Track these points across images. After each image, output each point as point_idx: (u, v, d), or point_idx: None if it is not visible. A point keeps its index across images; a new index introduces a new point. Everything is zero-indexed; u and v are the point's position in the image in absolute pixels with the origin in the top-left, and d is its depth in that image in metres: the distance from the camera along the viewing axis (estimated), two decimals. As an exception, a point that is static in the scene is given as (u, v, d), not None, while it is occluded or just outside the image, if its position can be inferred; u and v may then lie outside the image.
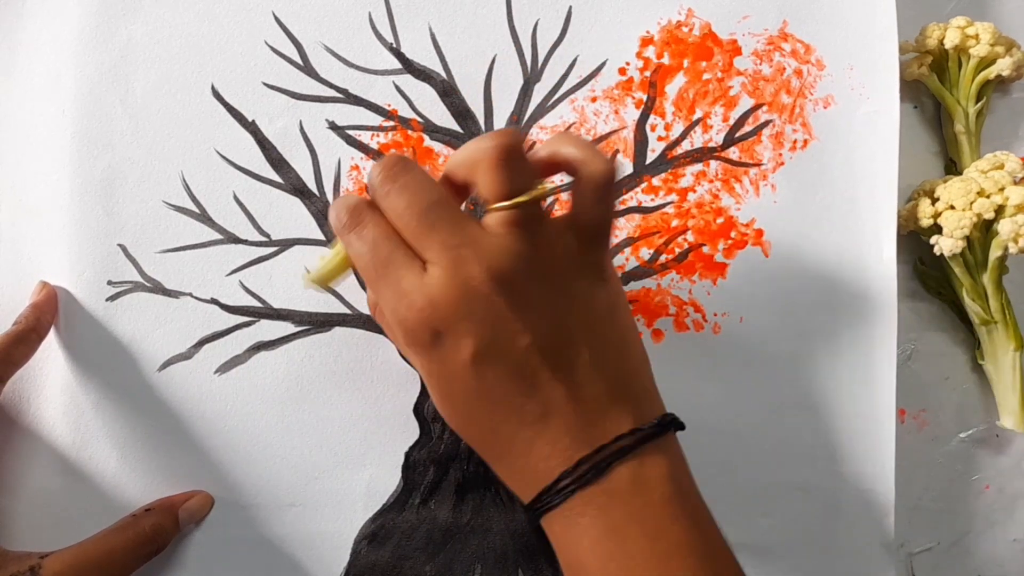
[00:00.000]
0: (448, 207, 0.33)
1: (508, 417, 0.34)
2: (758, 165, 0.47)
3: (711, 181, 0.47)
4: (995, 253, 0.46)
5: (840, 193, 0.46)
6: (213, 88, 0.45)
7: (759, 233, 0.46)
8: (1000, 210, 0.45)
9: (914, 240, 0.47)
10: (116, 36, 0.45)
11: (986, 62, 0.48)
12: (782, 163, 0.47)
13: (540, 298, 0.33)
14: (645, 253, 0.46)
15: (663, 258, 0.46)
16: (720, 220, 0.46)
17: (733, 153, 0.47)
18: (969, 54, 0.48)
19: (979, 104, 0.48)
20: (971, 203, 0.45)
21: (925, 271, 0.49)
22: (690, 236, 0.46)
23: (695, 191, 0.46)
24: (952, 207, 0.45)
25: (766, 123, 0.47)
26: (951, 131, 0.49)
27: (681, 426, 0.36)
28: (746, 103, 0.47)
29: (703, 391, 0.46)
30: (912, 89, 0.50)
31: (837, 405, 0.46)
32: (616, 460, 0.33)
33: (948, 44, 0.48)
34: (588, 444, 0.33)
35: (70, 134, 0.45)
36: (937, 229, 0.46)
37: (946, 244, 0.46)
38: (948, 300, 0.49)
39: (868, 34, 0.47)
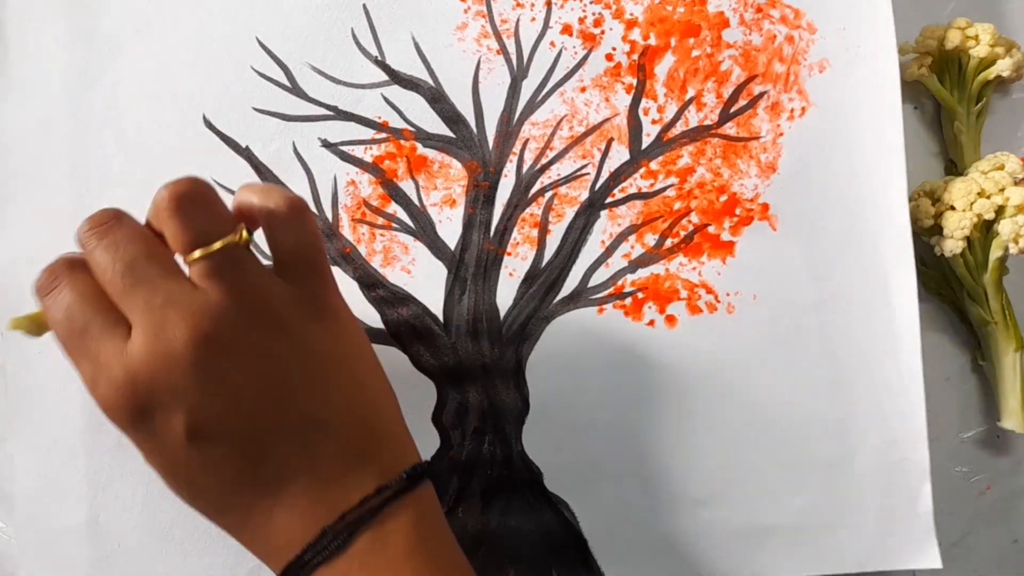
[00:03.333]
0: (157, 261, 0.31)
1: (240, 488, 0.31)
2: (757, 138, 0.46)
3: (710, 160, 0.46)
4: (995, 254, 0.45)
5: (843, 158, 0.45)
6: (205, 118, 0.46)
7: (764, 207, 0.45)
8: (1000, 211, 0.45)
9: (915, 241, 0.47)
10: (104, 76, 0.46)
11: (986, 63, 0.47)
12: (781, 133, 0.46)
13: (255, 354, 0.31)
14: (650, 239, 0.46)
15: (669, 242, 0.46)
16: (723, 198, 0.46)
17: (730, 129, 0.46)
18: (969, 55, 0.47)
19: (979, 105, 0.48)
20: (971, 204, 0.45)
21: (925, 272, 0.48)
22: (694, 217, 0.46)
23: (695, 171, 0.46)
24: (952, 208, 0.45)
25: (761, 95, 0.46)
26: (951, 132, 0.48)
27: (430, 472, 0.34)
28: (739, 76, 0.46)
29: (723, 374, 0.45)
30: (912, 90, 0.50)
31: (862, 375, 0.45)
32: (360, 526, 0.31)
33: (948, 45, 0.47)
34: (331, 508, 0.31)
35: (67, 177, 0.45)
36: (937, 230, 0.46)
37: (946, 245, 0.45)
38: (948, 301, 0.48)
39: (859, -8, 0.46)
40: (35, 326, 0.34)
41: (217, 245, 0.31)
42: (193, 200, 0.31)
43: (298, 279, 0.33)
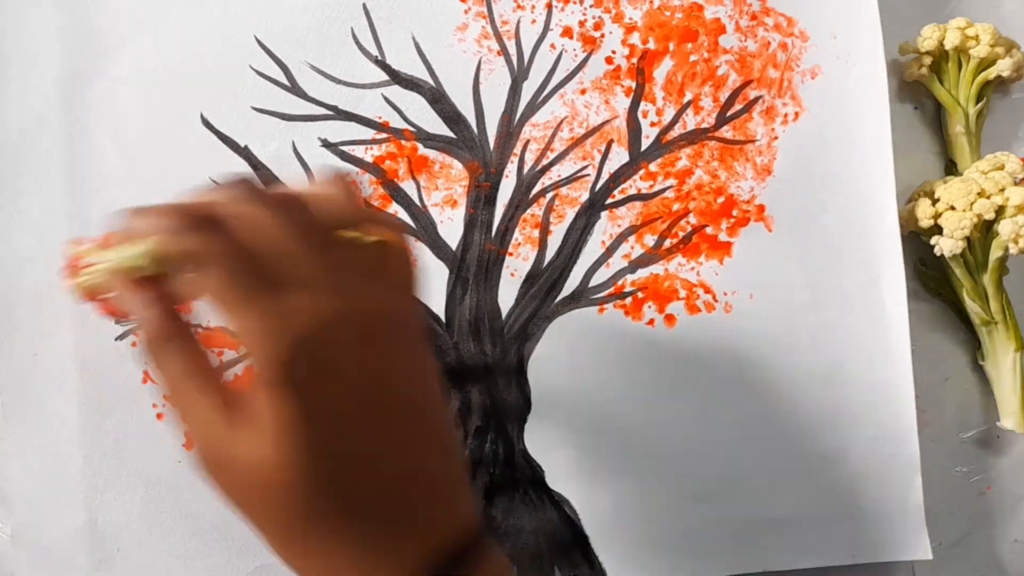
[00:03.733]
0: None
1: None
2: (752, 142, 0.47)
3: (708, 162, 0.47)
4: (995, 254, 0.46)
5: (836, 161, 0.47)
6: (203, 117, 0.45)
7: (760, 209, 0.47)
8: (1000, 211, 0.45)
9: (914, 241, 0.48)
10: (101, 75, 0.45)
11: (986, 63, 0.48)
12: (776, 137, 0.47)
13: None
14: (650, 240, 0.46)
15: (668, 243, 0.46)
16: (721, 199, 0.47)
17: (727, 132, 0.47)
18: (969, 55, 0.48)
19: (979, 105, 0.48)
20: (971, 204, 0.45)
21: (925, 272, 0.49)
22: (692, 218, 0.46)
23: (693, 173, 0.47)
24: (952, 208, 0.46)
25: (756, 100, 0.47)
26: (951, 132, 0.49)
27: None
28: (735, 81, 0.47)
29: (720, 371, 0.46)
30: (912, 90, 0.50)
31: (854, 371, 0.46)
32: None
33: (948, 45, 0.48)
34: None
35: (62, 177, 0.44)
36: (937, 230, 0.46)
37: (946, 245, 0.46)
38: (948, 301, 0.49)
39: (847, 1, 0.47)
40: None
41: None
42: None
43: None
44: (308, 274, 0.27)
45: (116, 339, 0.44)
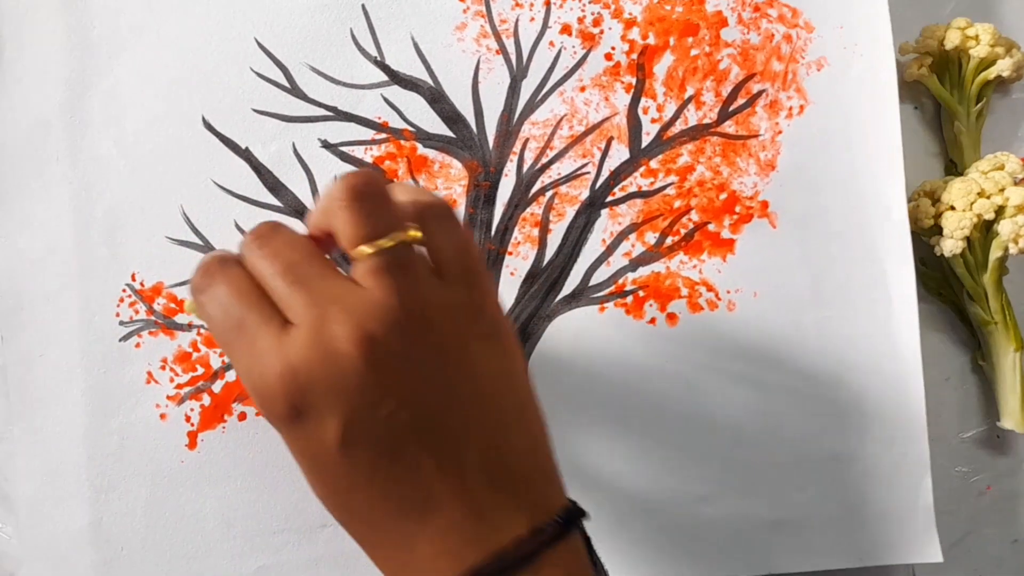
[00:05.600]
0: (316, 263, 0.29)
1: (385, 506, 0.29)
2: (756, 136, 0.46)
3: (710, 158, 0.46)
4: (995, 254, 0.46)
5: (842, 155, 0.46)
6: (204, 120, 0.46)
7: (764, 205, 0.46)
8: (1000, 211, 0.45)
9: (914, 241, 0.47)
10: (102, 79, 0.45)
11: (986, 63, 0.47)
12: (780, 131, 0.46)
13: (420, 362, 0.29)
14: (651, 237, 0.46)
15: (669, 240, 0.46)
16: (723, 196, 0.46)
17: (729, 127, 0.46)
18: (969, 55, 0.47)
19: (979, 105, 0.48)
20: (971, 204, 0.45)
21: (925, 272, 0.48)
22: (694, 215, 0.46)
23: (695, 170, 0.46)
24: (952, 208, 0.45)
25: (759, 93, 0.46)
26: (951, 132, 0.49)
27: (585, 515, 0.32)
28: (737, 75, 0.46)
29: (724, 371, 0.45)
30: (912, 90, 0.50)
31: (862, 371, 0.45)
32: (512, 571, 0.28)
33: (948, 45, 0.47)
34: (480, 546, 0.29)
35: (65, 180, 0.45)
36: (937, 230, 0.46)
37: (946, 245, 0.45)
38: (948, 301, 0.48)
39: (854, -10, 0.46)
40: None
41: (388, 242, 0.29)
42: (369, 194, 0.29)
43: (461, 287, 0.31)
44: (299, 306, 0.29)
45: (120, 340, 0.45)
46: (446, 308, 0.30)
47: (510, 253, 0.46)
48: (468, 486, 0.29)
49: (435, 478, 0.29)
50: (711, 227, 0.46)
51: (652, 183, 0.46)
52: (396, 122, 0.46)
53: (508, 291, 0.45)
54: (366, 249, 0.29)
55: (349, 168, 0.46)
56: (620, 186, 0.46)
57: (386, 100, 0.46)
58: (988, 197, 0.45)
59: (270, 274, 0.29)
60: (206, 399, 0.44)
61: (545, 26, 0.46)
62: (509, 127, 0.46)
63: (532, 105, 0.46)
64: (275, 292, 0.29)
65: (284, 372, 0.28)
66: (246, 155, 0.46)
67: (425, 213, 0.31)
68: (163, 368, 0.44)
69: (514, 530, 0.29)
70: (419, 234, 0.30)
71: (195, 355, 0.45)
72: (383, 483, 0.29)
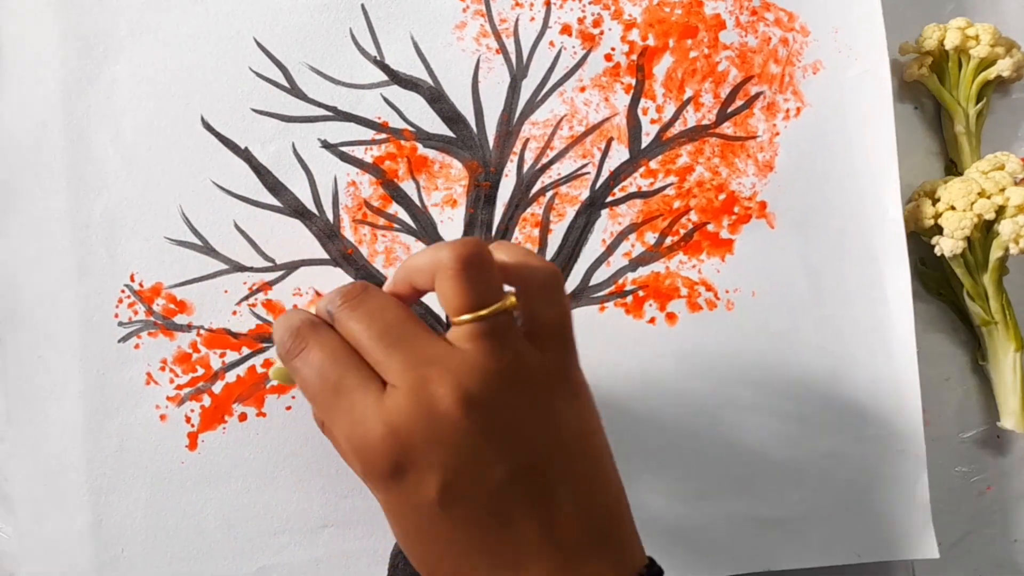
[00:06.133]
0: (410, 323, 0.31)
1: (480, 560, 0.30)
2: (753, 138, 0.46)
3: (709, 159, 0.46)
4: (996, 254, 0.46)
5: (838, 156, 0.46)
6: (203, 119, 0.45)
7: (762, 205, 0.46)
8: (1001, 211, 0.45)
9: (914, 241, 0.48)
10: (100, 78, 0.45)
11: (986, 63, 0.48)
12: (777, 133, 0.46)
13: (514, 421, 0.30)
14: (650, 237, 0.46)
15: (669, 240, 0.46)
16: (722, 196, 0.46)
17: (728, 128, 0.47)
18: (969, 55, 0.48)
19: (979, 105, 0.48)
20: (972, 204, 0.45)
21: (926, 272, 0.49)
22: (693, 216, 0.46)
23: (694, 170, 0.46)
24: (953, 208, 0.46)
25: (757, 95, 0.47)
26: (951, 132, 0.49)
27: (662, 572, 0.33)
28: (735, 77, 0.47)
29: (723, 369, 0.46)
30: (912, 90, 0.50)
31: (859, 368, 0.46)
32: None
33: (948, 45, 0.47)
34: None
35: (63, 180, 0.45)
36: (938, 230, 0.46)
37: (947, 245, 0.46)
38: (949, 301, 0.49)
39: (849, -5, 0.47)
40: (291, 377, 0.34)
41: (487, 311, 0.30)
42: (477, 264, 0.30)
43: (550, 351, 0.32)
44: (398, 368, 0.30)
45: (119, 341, 0.44)
46: (537, 370, 0.31)
47: (511, 253, 0.46)
48: (561, 541, 0.30)
49: (530, 533, 0.30)
50: (710, 227, 0.46)
51: (652, 183, 0.46)
52: (396, 122, 0.46)
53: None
54: (466, 316, 0.30)
55: (350, 169, 0.46)
56: (620, 186, 0.46)
57: (386, 100, 0.46)
58: (988, 197, 0.45)
59: (366, 337, 0.30)
60: (206, 400, 0.44)
61: (545, 26, 0.46)
62: (509, 127, 0.46)
63: (532, 105, 0.46)
64: (372, 355, 0.30)
65: (386, 432, 0.29)
66: (245, 155, 0.45)
67: (532, 281, 0.32)
68: (163, 369, 0.44)
69: None
70: (513, 301, 0.31)
71: (195, 356, 0.44)
72: (480, 539, 0.30)
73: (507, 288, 0.32)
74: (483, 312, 0.30)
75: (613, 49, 0.46)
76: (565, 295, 0.34)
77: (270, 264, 0.45)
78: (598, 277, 0.46)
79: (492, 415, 0.29)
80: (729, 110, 0.47)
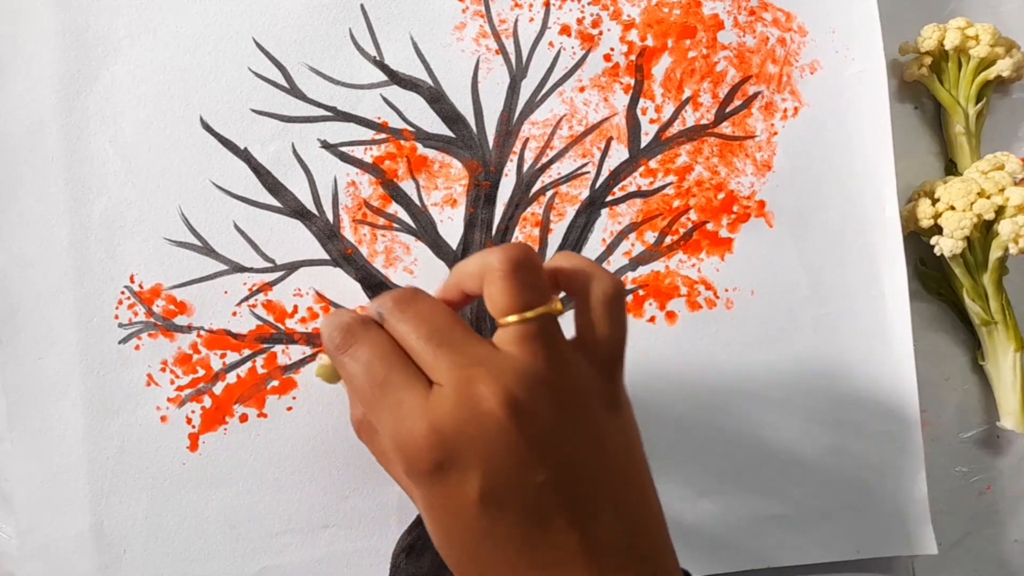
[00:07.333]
0: (458, 327, 0.31)
1: (516, 562, 0.30)
2: (752, 137, 0.47)
3: (708, 158, 0.47)
4: (995, 254, 0.46)
5: (836, 155, 0.47)
6: (202, 120, 0.45)
7: (761, 204, 0.47)
8: (1000, 211, 0.45)
9: (914, 241, 0.48)
10: (99, 78, 0.45)
11: (986, 63, 0.48)
12: (775, 132, 0.47)
13: (558, 426, 0.30)
14: (650, 237, 0.46)
15: (668, 239, 0.46)
16: (721, 196, 0.46)
17: (726, 128, 0.47)
18: (969, 55, 0.48)
19: (979, 105, 0.48)
20: (971, 204, 0.45)
21: (925, 272, 0.49)
22: (693, 215, 0.46)
23: (693, 170, 0.47)
24: (952, 208, 0.46)
25: (755, 95, 0.47)
26: (951, 132, 0.49)
27: None
28: (734, 77, 0.47)
29: (723, 368, 0.46)
30: (912, 90, 0.50)
31: (857, 366, 0.46)
32: None
33: (948, 45, 0.48)
34: None
35: (62, 181, 0.44)
36: (937, 230, 0.47)
37: (946, 245, 0.46)
38: (948, 301, 0.49)
39: (846, -5, 0.47)
40: (335, 375, 0.35)
41: (533, 313, 0.30)
42: (525, 267, 0.31)
43: (599, 363, 0.32)
44: (445, 367, 0.30)
45: (120, 342, 0.44)
46: (583, 381, 0.31)
47: (511, 253, 0.46)
48: (598, 551, 0.30)
49: (568, 541, 0.30)
50: (709, 226, 0.46)
51: (651, 183, 0.47)
52: (396, 122, 0.46)
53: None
54: (512, 318, 0.30)
55: (350, 169, 0.46)
56: (620, 186, 0.46)
57: (385, 100, 0.46)
58: (988, 197, 0.45)
59: (415, 337, 0.31)
60: (207, 401, 0.44)
61: (544, 26, 0.47)
62: (509, 127, 0.46)
63: (532, 105, 0.46)
64: (419, 355, 0.31)
65: (431, 430, 0.29)
66: (245, 155, 0.45)
67: (594, 291, 0.32)
68: (163, 370, 0.44)
69: None
70: (561, 307, 0.31)
71: (195, 357, 0.44)
72: (518, 540, 0.30)
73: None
74: (528, 314, 0.30)
75: (612, 49, 0.47)
76: (625, 311, 0.34)
77: (270, 264, 0.45)
78: (598, 276, 0.46)
79: (534, 419, 0.30)
80: (727, 110, 0.47)
